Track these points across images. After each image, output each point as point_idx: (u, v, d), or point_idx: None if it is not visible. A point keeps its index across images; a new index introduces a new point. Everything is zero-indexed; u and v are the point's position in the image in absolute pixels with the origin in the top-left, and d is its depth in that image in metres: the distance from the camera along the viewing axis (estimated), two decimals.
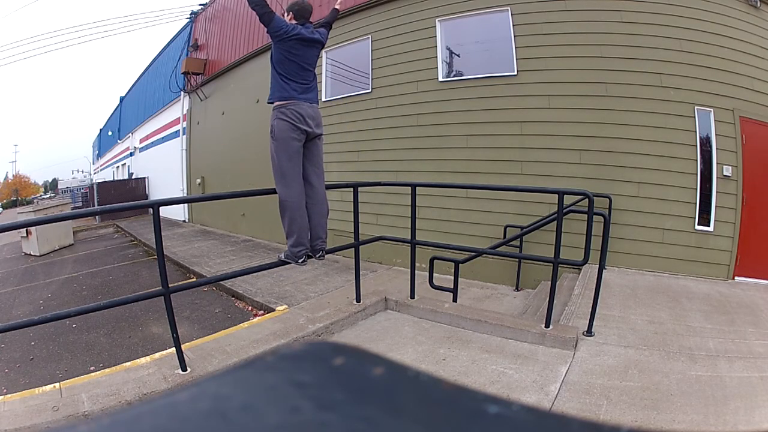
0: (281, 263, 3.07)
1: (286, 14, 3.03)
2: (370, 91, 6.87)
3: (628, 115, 4.91)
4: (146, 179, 16.70)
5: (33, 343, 4.38)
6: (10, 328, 2.17)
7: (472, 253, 4.30)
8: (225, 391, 0.24)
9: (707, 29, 4.75)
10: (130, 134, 19.11)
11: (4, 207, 46.75)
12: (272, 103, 2.94)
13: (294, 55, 2.89)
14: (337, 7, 3.37)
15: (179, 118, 13.32)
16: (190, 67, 11.78)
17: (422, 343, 3.09)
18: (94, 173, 33.28)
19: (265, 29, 2.84)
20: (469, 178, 5.67)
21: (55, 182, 70.92)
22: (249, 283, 5.60)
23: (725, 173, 4.71)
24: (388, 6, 6.62)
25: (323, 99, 7.44)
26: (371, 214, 6.44)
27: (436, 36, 6.13)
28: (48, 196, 56.56)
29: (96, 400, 2.27)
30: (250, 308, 5.12)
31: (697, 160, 4.74)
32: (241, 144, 10.04)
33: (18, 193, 57.39)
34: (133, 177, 17.96)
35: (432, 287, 4.13)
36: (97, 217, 15.21)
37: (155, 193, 15.97)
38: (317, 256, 3.16)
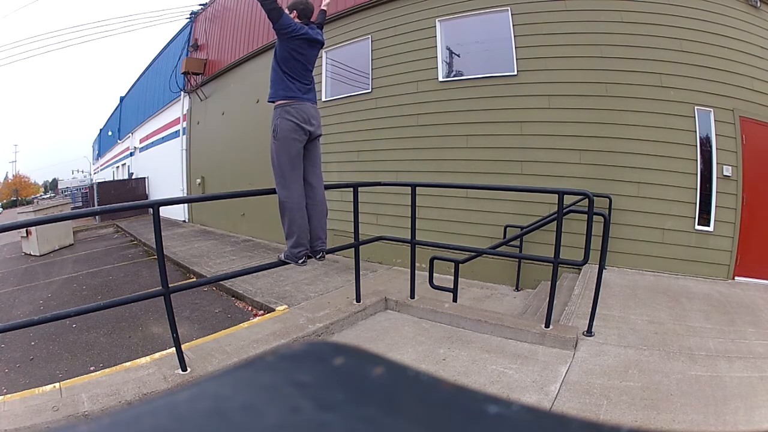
0: (281, 263, 3.07)
1: (289, 12, 3.02)
2: (370, 91, 6.87)
3: (628, 115, 4.91)
4: (146, 179, 16.70)
5: (33, 343, 4.38)
6: (10, 328, 2.17)
7: (472, 253, 4.30)
8: (225, 391, 0.24)
9: (707, 29, 4.75)
10: (130, 134, 19.11)
11: (4, 207, 46.73)
12: (273, 101, 2.91)
13: (300, 55, 2.88)
14: (324, 8, 3.37)
15: (179, 118, 13.33)
16: (190, 67, 11.78)
17: (422, 343, 3.09)
18: (94, 173, 33.28)
19: (272, 25, 2.80)
20: (469, 178, 5.67)
21: (55, 182, 70.96)
22: (249, 283, 5.60)
23: (725, 173, 4.71)
24: (388, 6, 6.62)
25: (323, 99, 7.45)
26: (371, 214, 6.44)
27: (436, 36, 6.13)
28: (48, 196, 56.58)
29: (96, 400, 2.27)
30: (250, 308, 5.11)
31: (697, 160, 4.74)
32: (241, 144, 10.04)
33: (18, 193, 57.39)
34: (133, 177, 17.96)
35: (432, 287, 4.13)
36: (97, 217, 15.21)
37: (155, 193, 15.97)
38: (318, 256, 3.16)
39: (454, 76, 6.14)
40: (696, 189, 4.73)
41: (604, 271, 3.19)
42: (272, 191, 3.05)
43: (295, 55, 2.86)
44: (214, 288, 5.95)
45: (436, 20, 6.11)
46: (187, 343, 3.06)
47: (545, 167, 5.28)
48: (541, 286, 4.93)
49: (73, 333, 4.63)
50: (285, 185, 2.92)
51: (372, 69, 6.84)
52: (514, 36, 5.49)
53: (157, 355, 3.01)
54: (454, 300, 3.98)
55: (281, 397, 0.23)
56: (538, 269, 5.22)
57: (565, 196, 2.93)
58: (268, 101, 2.96)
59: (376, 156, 6.79)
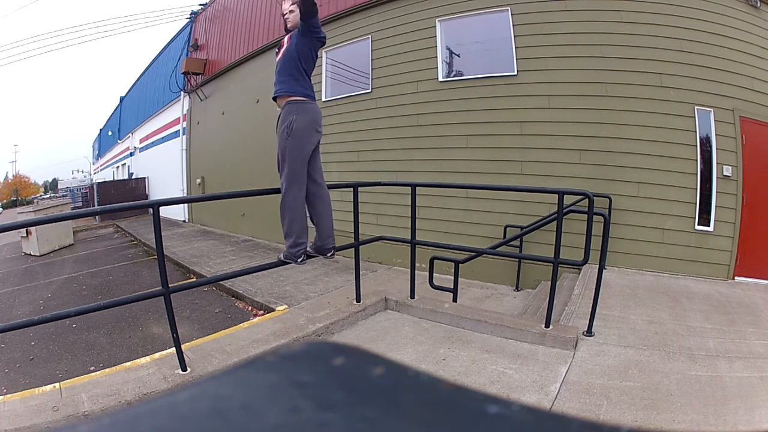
0: (281, 263, 3.06)
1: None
2: (370, 91, 6.87)
3: (628, 115, 4.91)
4: (146, 179, 16.70)
5: (33, 343, 4.38)
6: (10, 328, 2.17)
7: (472, 253, 4.30)
8: (225, 391, 0.24)
9: (707, 29, 4.75)
10: (130, 134, 19.11)
11: (4, 207, 46.72)
12: (289, 95, 2.80)
13: (316, 56, 2.88)
14: None
15: (179, 118, 13.33)
16: (190, 67, 11.79)
17: (422, 343, 3.09)
18: (94, 173, 33.28)
19: (305, 21, 2.75)
20: (469, 178, 5.67)
21: (55, 182, 70.90)
22: (249, 283, 5.60)
23: (725, 173, 4.71)
24: (388, 6, 6.62)
25: (323, 99, 7.45)
26: (371, 214, 6.44)
27: (436, 36, 6.13)
28: (48, 196, 56.58)
29: (96, 400, 2.27)
30: (250, 308, 5.12)
31: (697, 160, 4.74)
32: (241, 144, 10.04)
33: (18, 193, 57.39)
34: (133, 177, 17.96)
35: (432, 287, 4.13)
36: (97, 217, 15.22)
37: (155, 193, 15.97)
38: (329, 255, 3.15)
39: (454, 76, 6.14)
40: (696, 189, 4.73)
41: (604, 271, 3.19)
42: (272, 191, 3.04)
43: (313, 56, 2.85)
44: (214, 288, 5.95)
45: (436, 20, 6.11)
46: (187, 343, 3.06)
47: (545, 167, 5.28)
48: (541, 286, 4.93)
49: (73, 333, 4.63)
50: (291, 184, 2.86)
51: (372, 69, 6.84)
52: (514, 36, 5.49)
53: (157, 355, 3.01)
54: (454, 300, 3.98)
55: (281, 397, 0.23)
56: (538, 269, 5.22)
57: (565, 196, 2.93)
58: (281, 93, 2.82)
59: (376, 156, 6.79)
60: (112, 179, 21.14)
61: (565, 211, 3.15)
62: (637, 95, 4.87)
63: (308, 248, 3.11)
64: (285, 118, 2.81)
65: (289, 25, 2.97)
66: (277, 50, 3.02)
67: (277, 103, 2.92)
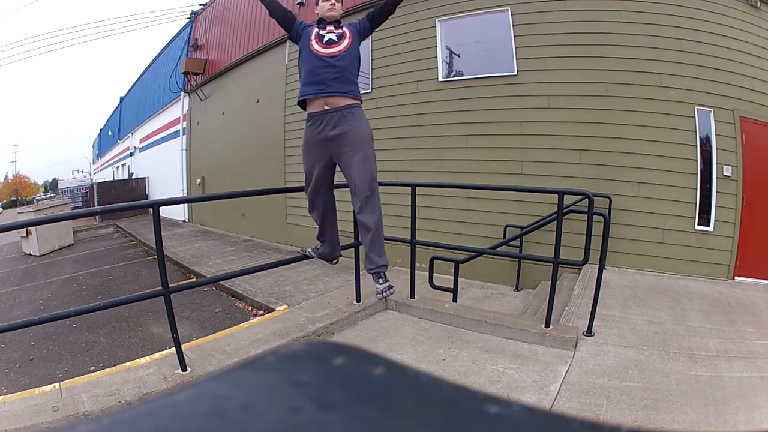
0: (387, 288, 2.68)
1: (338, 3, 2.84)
2: (370, 91, 6.87)
3: (628, 115, 4.91)
4: (146, 179, 16.70)
5: (33, 343, 4.38)
6: (10, 328, 2.17)
7: (472, 253, 4.30)
8: (225, 391, 0.24)
9: (707, 29, 4.75)
10: (130, 134, 19.11)
11: (4, 207, 46.72)
12: (357, 99, 2.68)
13: None
14: None
15: (179, 118, 13.32)
16: (190, 67, 11.78)
17: (422, 343, 3.09)
18: (94, 173, 33.29)
19: (372, 26, 2.73)
20: (469, 178, 5.67)
21: (55, 182, 70.90)
22: (249, 283, 5.60)
23: (725, 173, 4.71)
24: None
25: None
26: None
27: (436, 36, 6.13)
28: (48, 196, 56.59)
29: (96, 400, 2.27)
30: (250, 308, 5.12)
31: (697, 160, 4.74)
32: (242, 144, 10.04)
33: (18, 193, 57.39)
34: (133, 177, 17.96)
35: (432, 287, 4.13)
36: (97, 217, 15.22)
37: (155, 193, 15.97)
38: (334, 262, 3.15)
39: (454, 76, 6.14)
40: (696, 189, 4.73)
41: (604, 271, 3.19)
42: (271, 191, 3.05)
43: None
44: (214, 288, 5.95)
45: (436, 20, 6.11)
46: (187, 343, 3.06)
47: (545, 167, 5.28)
48: (541, 286, 4.93)
49: (73, 333, 4.63)
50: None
51: (372, 69, 6.84)
52: (514, 36, 5.49)
53: (157, 355, 3.00)
54: (454, 300, 3.98)
55: (281, 397, 0.23)
56: (538, 269, 5.21)
57: (565, 196, 2.93)
58: (355, 96, 2.66)
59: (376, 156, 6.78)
60: (112, 179, 21.13)
61: (565, 211, 3.15)
62: (637, 95, 4.87)
63: (310, 251, 3.11)
64: (363, 123, 2.62)
65: (333, 14, 2.71)
66: (317, 38, 2.62)
67: (332, 101, 2.58)
